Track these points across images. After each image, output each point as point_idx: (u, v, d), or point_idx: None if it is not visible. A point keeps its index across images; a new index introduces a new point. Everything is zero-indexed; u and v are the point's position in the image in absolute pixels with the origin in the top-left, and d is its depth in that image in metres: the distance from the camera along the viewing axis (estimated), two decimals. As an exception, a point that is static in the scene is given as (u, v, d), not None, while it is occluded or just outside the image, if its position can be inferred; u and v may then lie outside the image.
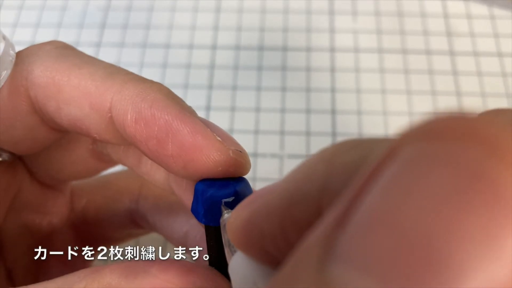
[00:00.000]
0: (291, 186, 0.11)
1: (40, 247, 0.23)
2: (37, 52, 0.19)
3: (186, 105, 0.17)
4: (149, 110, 0.16)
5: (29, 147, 0.20)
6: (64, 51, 0.19)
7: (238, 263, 0.13)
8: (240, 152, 0.16)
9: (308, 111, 0.35)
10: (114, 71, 0.18)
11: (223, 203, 0.16)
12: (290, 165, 0.33)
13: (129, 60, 0.37)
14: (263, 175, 0.32)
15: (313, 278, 0.07)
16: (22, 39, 0.39)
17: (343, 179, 0.10)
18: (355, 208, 0.07)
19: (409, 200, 0.06)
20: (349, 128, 0.34)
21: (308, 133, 0.34)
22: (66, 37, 0.39)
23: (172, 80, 0.36)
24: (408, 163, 0.07)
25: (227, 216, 0.15)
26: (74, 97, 0.17)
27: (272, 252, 0.11)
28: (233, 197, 0.16)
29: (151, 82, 0.17)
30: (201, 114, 0.34)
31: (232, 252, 0.13)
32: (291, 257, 0.08)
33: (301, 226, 0.10)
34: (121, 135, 0.17)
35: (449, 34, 0.38)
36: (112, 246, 0.27)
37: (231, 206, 0.15)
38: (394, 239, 0.06)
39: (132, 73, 0.18)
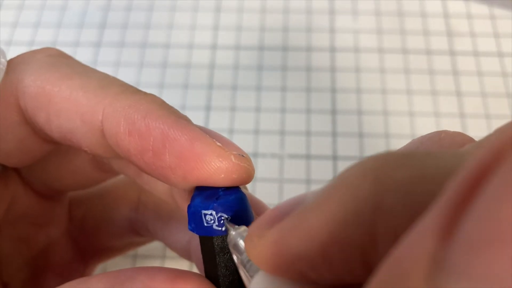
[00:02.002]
0: (335, 206, 0.10)
1: (37, 259, 0.22)
2: (28, 61, 0.18)
3: (181, 114, 0.16)
4: (143, 120, 0.15)
5: (21, 159, 0.20)
6: (56, 60, 0.18)
7: (263, 284, 0.12)
8: (242, 156, 0.15)
9: (308, 111, 0.35)
10: (107, 83, 0.17)
11: (227, 219, 0.15)
12: (290, 165, 0.33)
13: (128, 60, 0.37)
14: (263, 175, 0.32)
15: None
16: (21, 39, 0.38)
17: (400, 197, 0.09)
18: (463, 216, 0.07)
19: None
20: (350, 128, 0.34)
21: (308, 133, 0.34)
22: (66, 37, 0.38)
23: (172, 80, 0.36)
24: None
25: (235, 234, 0.14)
26: (65, 109, 0.17)
27: (307, 273, 0.11)
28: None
29: (144, 93, 0.17)
30: (201, 114, 0.34)
31: (251, 273, 0.13)
32: (381, 275, 0.08)
33: (350, 249, 0.10)
34: (113, 149, 0.17)
35: (449, 34, 0.38)
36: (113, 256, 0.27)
37: (236, 221, 0.15)
38: None
39: (126, 84, 0.17)
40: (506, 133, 0.07)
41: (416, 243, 0.07)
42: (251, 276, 0.13)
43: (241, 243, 0.14)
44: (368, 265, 0.10)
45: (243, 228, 0.14)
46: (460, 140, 0.12)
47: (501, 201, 0.06)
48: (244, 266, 0.13)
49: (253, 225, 0.12)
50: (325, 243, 0.10)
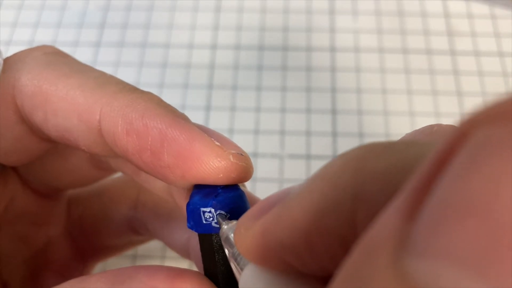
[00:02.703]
0: (317, 196, 0.10)
1: (36, 258, 0.22)
2: (25, 59, 0.18)
3: (179, 112, 0.16)
4: (140, 120, 0.15)
5: (18, 158, 0.19)
6: (53, 58, 0.18)
7: (252, 276, 0.12)
8: (241, 155, 0.15)
9: (308, 111, 0.35)
10: (105, 81, 0.17)
11: (218, 214, 0.15)
12: (290, 165, 0.33)
13: (128, 60, 0.37)
14: (263, 175, 0.32)
15: (389, 274, 0.07)
16: (21, 38, 0.38)
17: (379, 186, 0.09)
18: (428, 196, 0.07)
19: (502, 184, 0.06)
20: (350, 128, 0.34)
21: (308, 133, 0.34)
22: (66, 37, 0.38)
23: (172, 80, 0.36)
24: (486, 146, 0.06)
25: (227, 227, 0.14)
26: (62, 108, 0.17)
27: (292, 263, 0.11)
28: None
29: (142, 92, 0.17)
30: (201, 114, 0.34)
31: (241, 265, 0.13)
32: (353, 256, 0.08)
33: (331, 237, 0.10)
34: (111, 148, 0.16)
35: (450, 33, 0.38)
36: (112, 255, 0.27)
37: (234, 219, 0.15)
38: (494, 226, 0.06)
39: (123, 83, 0.17)
40: (471, 116, 0.07)
41: (384, 224, 0.07)
42: (242, 269, 0.13)
43: (232, 236, 0.14)
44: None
45: (234, 222, 0.14)
46: (446, 134, 0.13)
47: (459, 180, 0.06)
48: (235, 260, 0.13)
49: (242, 218, 0.12)
50: (307, 231, 0.10)
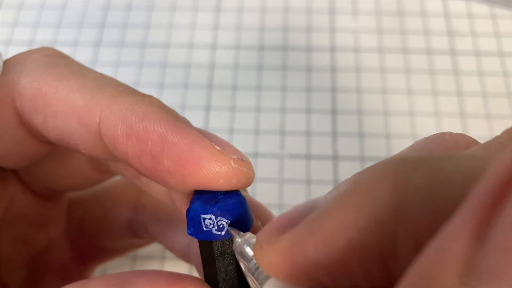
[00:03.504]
0: (354, 212, 0.10)
1: (36, 260, 0.22)
2: (25, 61, 0.18)
3: (180, 116, 0.16)
4: (140, 123, 0.15)
5: (18, 161, 0.19)
6: (53, 60, 0.18)
7: None
8: (242, 160, 0.15)
9: (308, 111, 0.35)
10: (104, 84, 0.17)
11: (229, 225, 0.15)
12: (290, 165, 0.33)
13: (128, 60, 0.37)
14: (263, 175, 0.32)
15: None
16: (21, 38, 0.38)
17: (419, 203, 0.09)
18: (495, 218, 0.07)
19: None
20: (350, 128, 0.34)
21: (308, 133, 0.34)
22: (65, 36, 0.38)
23: (172, 80, 0.36)
24: None
25: (241, 241, 0.14)
26: (62, 111, 0.16)
27: (322, 279, 0.10)
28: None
29: (142, 94, 0.16)
30: (201, 114, 0.34)
31: (260, 280, 0.12)
32: (414, 278, 0.08)
33: (369, 256, 0.09)
34: (111, 151, 0.16)
35: (450, 33, 0.38)
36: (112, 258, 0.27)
37: (235, 225, 0.15)
38: None
39: (123, 85, 0.17)
40: None
41: (447, 245, 0.07)
42: (260, 284, 0.12)
43: (248, 250, 0.14)
44: (387, 271, 0.10)
45: (248, 234, 0.14)
46: (463, 142, 0.12)
47: None
48: (252, 274, 0.13)
49: (262, 232, 0.12)
50: (343, 250, 0.10)
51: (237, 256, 0.14)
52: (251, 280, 0.13)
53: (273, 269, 0.11)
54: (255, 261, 0.13)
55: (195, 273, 0.24)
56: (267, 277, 0.12)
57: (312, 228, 0.10)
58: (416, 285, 0.08)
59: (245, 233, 0.14)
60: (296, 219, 0.11)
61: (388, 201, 0.09)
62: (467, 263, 0.07)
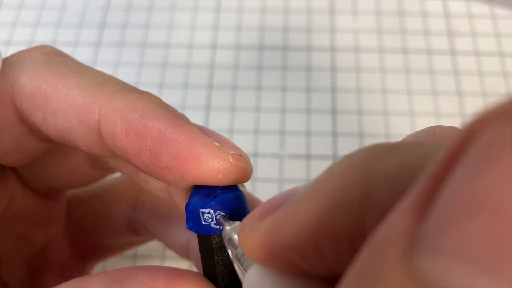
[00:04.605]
0: (325, 196, 0.10)
1: (36, 258, 0.22)
2: (24, 59, 0.18)
3: (179, 113, 0.16)
4: (139, 120, 0.15)
5: (18, 159, 0.19)
6: (52, 58, 0.18)
7: (257, 277, 0.12)
8: (240, 156, 0.15)
9: (308, 111, 0.35)
10: (104, 81, 0.17)
11: (220, 216, 0.15)
12: (290, 165, 0.33)
13: (128, 60, 0.37)
14: (263, 175, 0.32)
15: (401, 272, 0.07)
16: (21, 38, 0.38)
17: (387, 186, 0.09)
18: (438, 194, 0.07)
19: None
20: (350, 128, 0.34)
21: (308, 133, 0.34)
22: (65, 36, 0.38)
23: (172, 80, 0.36)
24: (496, 144, 0.06)
25: (230, 228, 0.14)
26: (61, 108, 0.17)
27: (298, 263, 0.11)
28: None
29: (141, 92, 0.17)
30: (201, 114, 0.34)
31: (245, 266, 0.13)
32: (363, 255, 0.08)
33: (338, 237, 0.10)
34: (110, 148, 0.16)
35: (450, 33, 0.38)
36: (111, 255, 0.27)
37: (233, 219, 0.15)
38: (506, 224, 0.06)
39: (122, 83, 0.17)
40: (480, 115, 0.07)
41: (393, 223, 0.07)
42: (245, 270, 0.13)
43: (236, 237, 0.14)
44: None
45: (237, 223, 0.14)
46: (454, 134, 0.13)
47: (470, 178, 0.06)
48: (239, 260, 0.13)
49: (246, 218, 0.12)
50: (314, 231, 0.10)
51: (226, 244, 0.14)
52: (237, 266, 0.13)
53: (254, 254, 0.12)
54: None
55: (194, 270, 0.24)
56: (251, 263, 0.13)
57: (287, 212, 0.11)
58: (365, 263, 0.08)
59: (234, 222, 0.15)
60: (277, 205, 0.11)
61: (356, 185, 0.10)
62: (410, 238, 0.07)
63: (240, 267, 0.13)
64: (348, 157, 0.10)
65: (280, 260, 0.11)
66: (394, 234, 0.07)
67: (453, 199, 0.06)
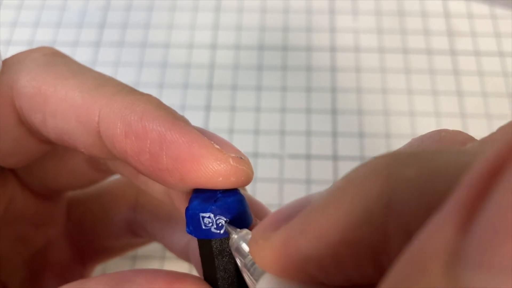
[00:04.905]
0: (346, 206, 0.10)
1: (35, 260, 0.22)
2: (24, 60, 0.18)
3: (179, 115, 0.16)
4: (139, 122, 0.15)
5: (17, 160, 0.19)
6: (52, 59, 0.18)
7: (270, 287, 0.12)
8: (241, 158, 0.15)
9: (308, 111, 0.35)
10: (103, 83, 0.17)
11: (227, 222, 0.15)
12: (290, 165, 0.33)
13: (128, 60, 0.37)
14: (263, 175, 0.32)
15: (443, 286, 0.07)
16: (21, 38, 0.38)
17: (412, 195, 0.09)
18: (481, 207, 0.07)
19: None
20: (350, 128, 0.34)
21: (308, 133, 0.34)
22: (65, 36, 0.38)
23: (172, 80, 0.36)
24: None
25: (238, 237, 0.14)
26: (61, 109, 0.16)
27: (315, 274, 0.10)
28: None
29: (141, 93, 0.16)
30: (201, 114, 0.34)
31: (255, 276, 0.13)
32: (400, 267, 0.08)
33: (361, 249, 0.10)
34: (110, 150, 0.16)
35: (450, 33, 0.38)
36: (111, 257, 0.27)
37: (234, 224, 0.15)
38: None
39: (122, 84, 0.17)
40: None
41: (434, 236, 0.07)
42: (256, 280, 0.13)
43: (244, 246, 0.14)
44: (379, 264, 0.10)
45: (245, 231, 0.14)
46: (460, 138, 0.12)
47: None
48: (248, 270, 0.13)
49: (258, 228, 0.12)
50: (335, 243, 0.10)
51: (233, 252, 0.14)
52: (247, 276, 0.13)
53: (268, 264, 0.11)
54: (251, 257, 0.13)
55: (194, 274, 0.24)
56: (262, 273, 0.12)
57: (305, 223, 0.11)
58: (403, 275, 0.08)
59: (241, 230, 0.14)
60: (290, 214, 0.11)
61: (379, 195, 0.09)
62: (453, 252, 0.07)
63: (250, 276, 0.13)
64: (367, 165, 0.10)
65: (296, 271, 0.11)
66: (435, 247, 0.07)
67: (498, 214, 0.06)
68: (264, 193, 0.31)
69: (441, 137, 0.13)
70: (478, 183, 0.07)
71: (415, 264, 0.07)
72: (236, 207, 0.15)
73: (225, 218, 0.15)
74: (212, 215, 0.15)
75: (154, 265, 0.30)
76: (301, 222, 0.11)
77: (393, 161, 0.10)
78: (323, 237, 0.10)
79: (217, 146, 0.15)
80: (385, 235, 0.09)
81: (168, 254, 0.30)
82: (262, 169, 0.32)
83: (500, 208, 0.06)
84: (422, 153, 0.10)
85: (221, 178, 0.15)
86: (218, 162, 0.15)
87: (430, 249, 0.07)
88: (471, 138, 0.13)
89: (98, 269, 0.27)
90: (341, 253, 0.10)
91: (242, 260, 0.14)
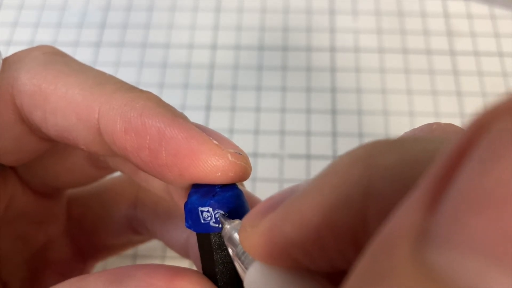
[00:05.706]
0: (327, 191, 0.10)
1: (36, 258, 0.22)
2: (24, 59, 0.18)
3: (178, 111, 0.16)
4: (139, 118, 0.15)
5: (17, 158, 0.19)
6: (52, 57, 0.18)
7: (258, 274, 0.12)
8: (239, 154, 0.15)
9: (308, 111, 0.35)
10: (103, 80, 0.17)
11: (220, 214, 0.15)
12: (290, 165, 0.33)
13: (128, 60, 0.37)
14: (263, 175, 0.32)
15: (410, 266, 0.07)
16: (21, 38, 0.38)
17: (390, 181, 0.09)
18: (447, 188, 0.07)
19: None
20: (350, 128, 0.34)
21: (308, 133, 0.34)
22: (66, 37, 0.38)
23: (172, 80, 0.36)
24: (506, 138, 0.06)
25: (230, 227, 0.14)
26: (61, 107, 0.17)
27: (300, 259, 0.11)
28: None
29: (140, 91, 0.17)
30: (201, 114, 0.34)
31: (246, 264, 0.13)
32: (371, 250, 0.08)
33: (341, 233, 0.10)
34: (110, 147, 0.16)
35: (449, 33, 0.38)
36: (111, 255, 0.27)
37: (232, 218, 0.15)
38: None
39: (122, 82, 0.17)
40: (489, 108, 0.07)
41: (402, 218, 0.07)
42: (246, 268, 0.13)
43: (236, 235, 0.14)
44: (360, 248, 0.10)
45: (237, 221, 0.14)
46: (451, 131, 0.13)
47: (481, 171, 0.06)
48: (239, 258, 0.13)
49: (247, 217, 0.12)
50: (317, 227, 0.10)
51: (226, 242, 0.14)
52: (238, 264, 0.13)
53: (255, 251, 0.12)
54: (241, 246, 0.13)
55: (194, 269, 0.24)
56: (252, 261, 0.13)
57: (289, 209, 0.11)
58: (373, 258, 0.08)
59: (234, 220, 0.15)
60: (278, 202, 0.11)
61: (359, 181, 0.10)
62: (420, 232, 0.07)
63: (241, 265, 0.13)
64: (349, 153, 0.11)
65: (282, 257, 0.11)
66: (402, 229, 0.07)
67: (464, 192, 0.06)
68: (264, 192, 0.31)
69: (432, 129, 0.13)
70: (445, 166, 0.07)
71: (383, 246, 0.07)
72: (234, 201, 0.15)
73: (224, 212, 0.15)
74: (210, 209, 0.15)
75: (155, 263, 0.30)
76: (286, 208, 0.11)
77: (373, 148, 0.10)
78: (305, 221, 0.10)
79: (216, 142, 0.15)
80: (364, 219, 0.10)
81: (169, 253, 0.30)
82: (262, 169, 0.33)
83: (465, 186, 0.07)
84: (401, 141, 0.10)
85: (219, 173, 0.15)
86: (216, 158, 0.15)
87: (398, 231, 0.07)
88: (462, 130, 0.13)
89: (99, 268, 0.27)
90: (323, 237, 0.10)
91: (234, 249, 0.14)
